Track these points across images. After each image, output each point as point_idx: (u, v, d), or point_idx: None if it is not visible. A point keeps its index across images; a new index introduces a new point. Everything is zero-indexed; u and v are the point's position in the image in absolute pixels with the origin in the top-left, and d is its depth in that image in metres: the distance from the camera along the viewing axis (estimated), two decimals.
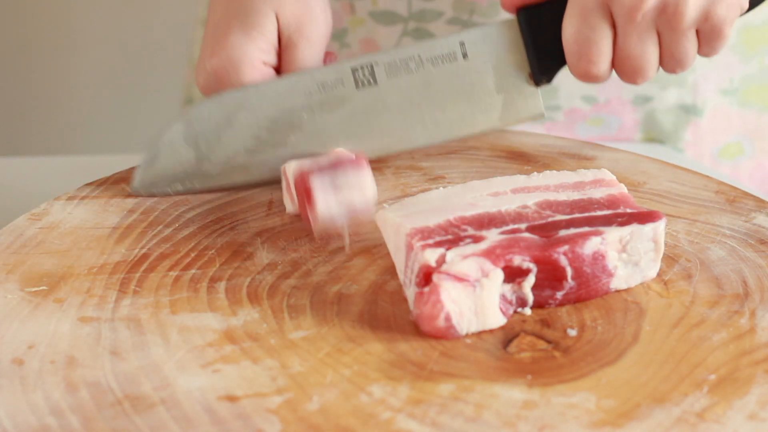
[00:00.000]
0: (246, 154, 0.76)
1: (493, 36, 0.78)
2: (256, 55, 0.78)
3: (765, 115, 1.00)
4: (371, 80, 0.77)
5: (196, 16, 1.12)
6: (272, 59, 0.79)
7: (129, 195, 0.77)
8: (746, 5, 0.75)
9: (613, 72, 0.76)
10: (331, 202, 0.70)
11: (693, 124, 0.99)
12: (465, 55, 0.78)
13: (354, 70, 0.77)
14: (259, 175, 0.76)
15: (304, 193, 0.71)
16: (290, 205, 0.74)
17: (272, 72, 0.79)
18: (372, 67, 0.77)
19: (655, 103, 0.98)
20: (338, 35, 0.99)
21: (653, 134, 0.99)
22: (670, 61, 0.76)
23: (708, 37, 0.75)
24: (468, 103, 0.78)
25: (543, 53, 0.78)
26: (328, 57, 0.82)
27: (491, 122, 0.78)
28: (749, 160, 1.01)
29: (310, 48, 0.79)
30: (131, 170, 0.79)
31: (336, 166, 0.71)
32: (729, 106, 0.99)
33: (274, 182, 0.76)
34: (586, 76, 0.76)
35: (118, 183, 0.78)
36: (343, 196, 0.70)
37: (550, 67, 0.78)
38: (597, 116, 0.98)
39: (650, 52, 0.75)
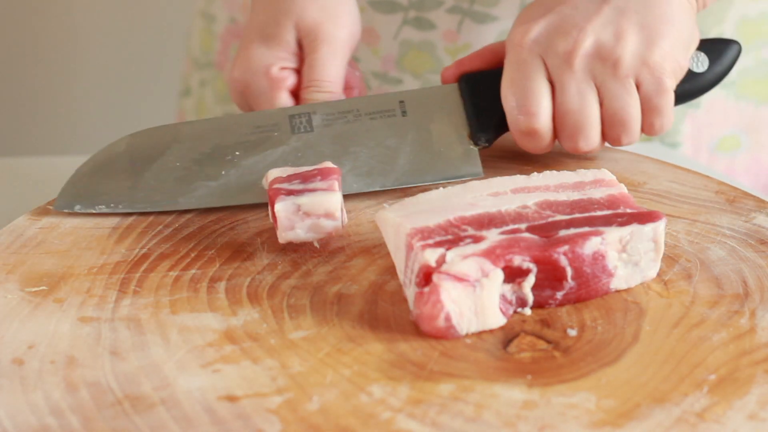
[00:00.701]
0: (174, 183, 0.76)
1: (434, 97, 0.79)
2: (275, 63, 0.79)
3: (762, 108, 1.00)
4: (308, 127, 0.77)
5: (194, 8, 1.12)
6: (293, 64, 0.80)
7: None
8: (685, 66, 0.75)
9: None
10: (295, 223, 0.69)
11: (691, 116, 0.99)
12: (404, 113, 0.78)
13: (292, 117, 0.77)
14: (185, 204, 0.75)
15: (272, 209, 0.70)
16: (272, 218, 0.73)
17: (293, 76, 0.80)
18: (310, 115, 0.77)
19: None
20: None
21: None
22: (613, 122, 0.74)
23: (650, 92, 0.73)
24: (404, 157, 0.77)
25: (483, 115, 0.78)
26: (351, 66, 0.83)
27: (426, 178, 0.77)
28: (746, 153, 1.01)
29: (331, 51, 0.80)
30: None
31: (304, 190, 0.70)
32: (726, 99, 0.99)
33: (204, 210, 0.75)
34: (527, 132, 0.75)
35: None
36: (310, 220, 0.69)
37: (490, 129, 0.78)
38: None
39: (591, 107, 0.74)
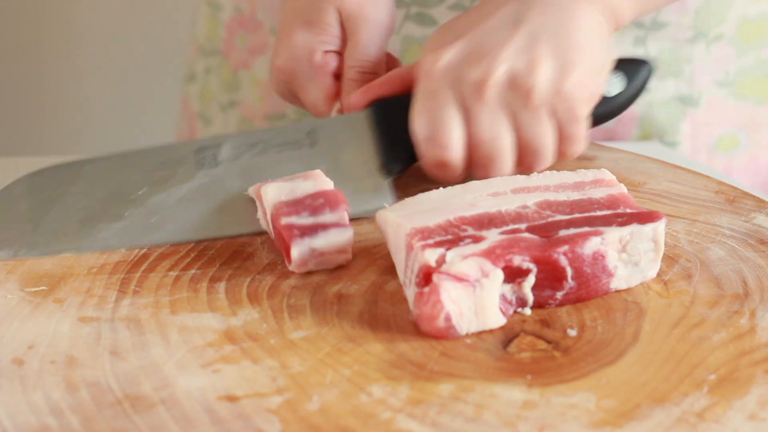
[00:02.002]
0: (77, 225, 0.72)
1: (343, 127, 0.77)
2: (318, 48, 0.79)
3: (760, 108, 1.00)
4: (213, 162, 0.75)
5: None
6: (336, 47, 0.80)
7: None
8: (599, 92, 0.73)
9: None
10: (309, 261, 0.68)
11: (690, 115, 0.99)
12: (313, 143, 0.76)
13: (198, 151, 0.75)
14: (89, 248, 0.71)
15: (281, 238, 0.68)
16: (265, 226, 0.72)
17: (336, 59, 0.80)
18: (216, 148, 0.75)
19: (652, 94, 0.98)
20: None
21: (650, 130, 0.99)
22: (527, 152, 0.72)
23: (564, 121, 0.72)
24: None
25: (394, 145, 0.76)
26: (390, 60, 0.82)
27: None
28: (744, 152, 1.01)
29: (371, 32, 0.79)
30: None
31: (316, 226, 0.68)
32: (725, 98, 0.99)
33: (103, 251, 0.71)
34: (440, 165, 0.72)
35: None
36: (323, 257, 0.68)
37: (402, 159, 0.76)
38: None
39: (504, 137, 0.71)
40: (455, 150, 0.71)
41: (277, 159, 0.75)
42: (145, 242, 0.71)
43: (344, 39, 0.81)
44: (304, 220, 0.68)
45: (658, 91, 0.98)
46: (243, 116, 1.07)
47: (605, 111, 0.79)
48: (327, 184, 0.70)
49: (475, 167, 0.73)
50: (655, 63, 0.81)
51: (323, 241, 0.67)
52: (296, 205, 0.68)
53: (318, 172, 0.71)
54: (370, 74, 0.79)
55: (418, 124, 0.72)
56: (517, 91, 0.70)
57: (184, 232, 0.72)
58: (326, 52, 0.80)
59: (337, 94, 0.80)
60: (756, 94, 0.99)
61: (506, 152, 0.72)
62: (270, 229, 0.70)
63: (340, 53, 0.81)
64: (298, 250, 0.67)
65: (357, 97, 0.78)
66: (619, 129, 0.99)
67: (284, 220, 0.68)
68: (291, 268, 0.68)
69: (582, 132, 0.73)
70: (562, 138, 0.73)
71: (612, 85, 0.78)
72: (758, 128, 1.00)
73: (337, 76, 0.81)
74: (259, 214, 0.72)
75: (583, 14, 0.72)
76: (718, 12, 0.95)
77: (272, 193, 0.70)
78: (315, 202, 0.68)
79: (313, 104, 0.81)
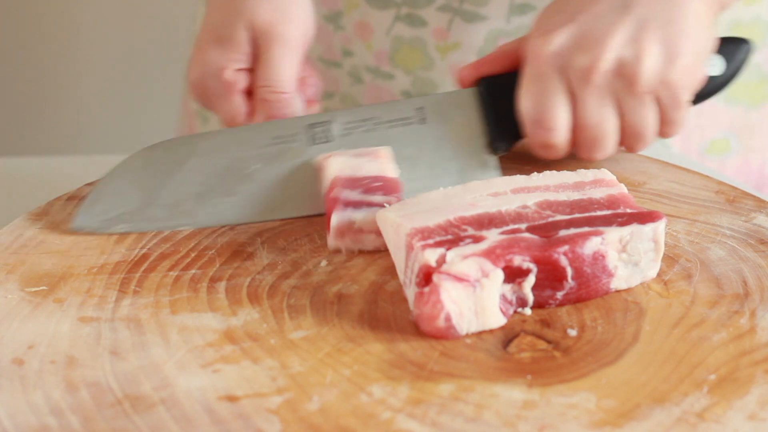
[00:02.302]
0: (194, 200, 0.74)
1: (452, 103, 0.78)
2: (228, 66, 0.79)
3: (752, 113, 1.00)
4: (326, 137, 0.76)
5: None
6: (246, 65, 0.79)
7: None
8: (702, 76, 0.75)
9: None
10: (346, 234, 0.69)
11: None
12: (423, 120, 0.77)
13: (310, 126, 0.76)
14: (206, 221, 0.73)
15: (328, 210, 0.70)
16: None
17: (246, 77, 0.79)
18: (328, 124, 0.76)
19: None
20: (333, 18, 0.99)
21: None
22: (630, 134, 0.74)
23: (667, 106, 0.74)
24: (424, 166, 0.76)
25: (502, 123, 0.77)
26: (304, 81, 0.82)
27: (447, 185, 0.75)
28: (735, 156, 1.01)
29: (284, 51, 0.79)
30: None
31: (362, 203, 0.69)
32: (716, 102, 0.99)
33: (224, 227, 0.74)
34: (545, 146, 0.75)
35: None
36: (362, 234, 0.69)
37: (509, 137, 0.77)
38: None
39: (609, 121, 0.73)
40: (561, 132, 0.74)
41: (387, 135, 0.77)
42: (258, 218, 0.74)
43: (255, 56, 0.80)
44: (354, 196, 0.69)
45: None
46: None
47: (705, 91, 0.80)
48: (392, 170, 0.72)
49: (579, 148, 0.75)
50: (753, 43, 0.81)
51: (364, 216, 0.69)
52: (353, 182, 0.70)
53: (387, 152, 0.73)
54: (281, 94, 0.79)
55: (525, 106, 0.74)
56: (624, 78, 0.72)
57: (296, 208, 0.74)
58: (237, 69, 0.79)
59: (250, 113, 0.80)
60: (748, 99, 0.99)
61: (610, 135, 0.74)
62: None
63: (252, 70, 0.80)
64: (337, 218, 0.68)
65: (467, 72, 0.78)
66: None
67: (335, 192, 0.69)
68: (329, 242, 0.69)
69: (683, 116, 0.75)
70: (663, 121, 0.75)
71: (712, 66, 0.79)
72: (750, 133, 1.00)
73: (249, 93, 0.80)
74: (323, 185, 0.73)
75: (691, 1, 0.74)
76: None
77: (335, 166, 0.71)
78: (372, 184, 0.70)
79: (226, 120, 0.81)
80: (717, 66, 0.79)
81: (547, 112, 0.73)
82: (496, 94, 0.78)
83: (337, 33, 1.00)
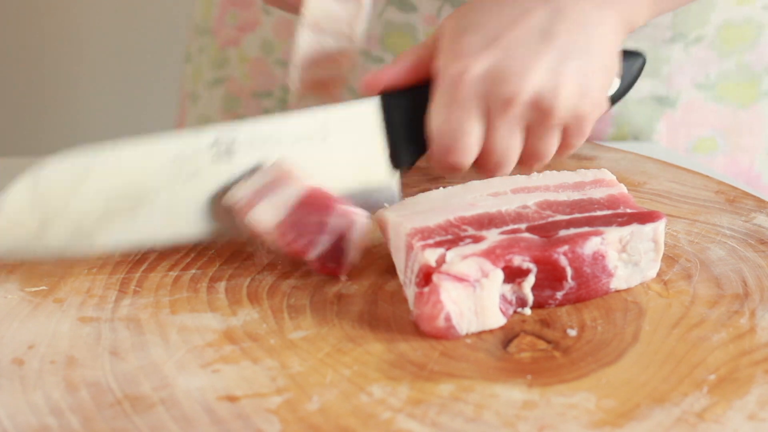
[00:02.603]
0: (94, 224, 0.69)
1: (354, 118, 0.74)
2: None
3: (740, 112, 1.00)
4: (228, 156, 0.72)
5: None
6: None
7: None
8: (606, 106, 0.74)
9: None
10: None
11: (667, 115, 0.99)
12: (324, 138, 0.73)
13: (211, 144, 0.72)
14: (108, 246, 0.69)
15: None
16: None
17: None
18: (231, 142, 0.72)
19: (628, 93, 0.97)
20: None
21: (626, 129, 0.99)
22: (530, 157, 0.74)
23: (572, 135, 0.73)
24: (326, 182, 0.72)
25: (405, 139, 0.74)
26: None
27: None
28: (723, 155, 1.01)
29: None
30: None
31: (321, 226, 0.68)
32: (704, 101, 0.99)
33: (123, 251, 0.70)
34: (448, 167, 0.73)
35: None
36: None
37: (411, 153, 0.75)
38: None
39: (516, 147, 0.73)
40: (469, 157, 0.72)
41: (290, 153, 0.73)
42: (164, 241, 0.70)
43: None
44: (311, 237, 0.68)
45: (634, 90, 0.97)
46: (229, 93, 1.07)
47: None
48: (303, 183, 0.69)
49: (481, 168, 0.74)
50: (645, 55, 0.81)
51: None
52: (295, 227, 0.68)
53: (285, 166, 0.70)
54: None
55: (437, 128, 0.72)
56: (539, 110, 0.71)
57: (196, 232, 0.71)
58: None
59: None
60: (738, 99, 0.99)
61: (514, 159, 0.73)
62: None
63: None
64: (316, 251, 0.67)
65: (369, 82, 0.76)
66: (595, 127, 0.99)
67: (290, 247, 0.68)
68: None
69: (582, 141, 0.75)
70: (564, 146, 0.74)
71: (612, 87, 0.78)
72: (739, 132, 1.00)
73: None
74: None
75: (607, 30, 0.73)
76: (698, 14, 0.95)
77: (265, 218, 0.68)
78: (311, 220, 0.68)
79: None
80: (614, 86, 0.78)
81: (460, 139, 0.72)
82: (400, 109, 0.75)
83: None
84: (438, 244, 0.62)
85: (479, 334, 0.62)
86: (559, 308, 0.65)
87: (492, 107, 0.71)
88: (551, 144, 0.73)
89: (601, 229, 0.64)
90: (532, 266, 0.63)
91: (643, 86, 0.97)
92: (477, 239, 0.63)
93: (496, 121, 0.72)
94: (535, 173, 0.70)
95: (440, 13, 0.95)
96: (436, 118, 0.72)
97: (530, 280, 0.63)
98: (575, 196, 0.68)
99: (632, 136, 0.99)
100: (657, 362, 0.60)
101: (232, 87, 1.07)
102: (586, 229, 0.64)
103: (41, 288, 0.67)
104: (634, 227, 0.65)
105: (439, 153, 0.73)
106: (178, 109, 1.18)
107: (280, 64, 1.03)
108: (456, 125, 0.72)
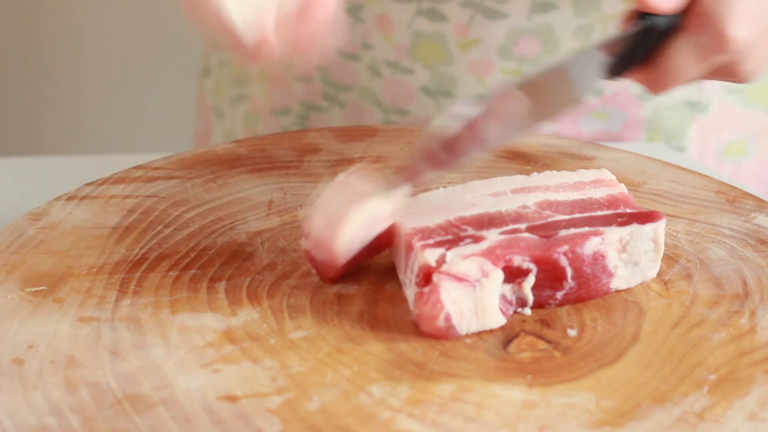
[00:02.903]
0: None
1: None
2: None
3: None
4: None
5: None
6: None
7: (129, 195, 0.77)
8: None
9: None
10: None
11: (698, 121, 0.99)
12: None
13: None
14: None
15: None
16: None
17: None
18: None
19: (660, 98, 0.98)
20: (353, 10, 0.99)
21: (658, 134, 0.99)
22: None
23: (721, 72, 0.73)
24: None
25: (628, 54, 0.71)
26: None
27: None
28: (753, 159, 1.01)
29: None
30: (131, 170, 0.79)
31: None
32: (734, 105, 0.99)
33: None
34: (650, 87, 0.72)
35: (118, 183, 0.78)
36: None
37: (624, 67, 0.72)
38: (603, 109, 0.98)
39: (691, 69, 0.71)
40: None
41: None
42: None
43: None
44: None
45: (666, 96, 0.98)
46: (250, 111, 1.07)
47: None
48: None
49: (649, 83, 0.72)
50: None
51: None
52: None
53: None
54: None
55: (673, 70, 0.70)
56: (725, 70, 0.71)
57: None
58: None
59: None
60: (766, 102, 0.99)
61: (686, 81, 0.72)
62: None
63: None
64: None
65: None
66: (626, 132, 0.99)
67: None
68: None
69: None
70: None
71: None
72: (767, 136, 1.00)
73: None
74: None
75: None
76: None
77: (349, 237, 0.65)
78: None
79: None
80: None
81: (679, 81, 0.71)
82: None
83: (357, 26, 0.99)
84: (438, 244, 0.62)
85: (479, 334, 0.62)
86: (559, 308, 0.65)
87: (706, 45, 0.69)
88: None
89: (601, 229, 0.64)
90: (532, 266, 0.63)
91: (675, 92, 0.97)
92: (477, 239, 0.63)
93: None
94: (535, 173, 0.70)
95: (471, 23, 0.95)
96: (678, 61, 0.70)
97: (530, 280, 0.63)
98: (575, 196, 0.68)
99: (664, 141, 0.99)
100: (657, 362, 0.60)
101: (252, 105, 1.07)
102: (586, 229, 0.65)
103: (41, 288, 0.67)
104: (634, 227, 0.65)
105: (654, 82, 0.71)
106: (199, 119, 1.17)
107: (299, 81, 1.03)
108: (688, 77, 0.70)
